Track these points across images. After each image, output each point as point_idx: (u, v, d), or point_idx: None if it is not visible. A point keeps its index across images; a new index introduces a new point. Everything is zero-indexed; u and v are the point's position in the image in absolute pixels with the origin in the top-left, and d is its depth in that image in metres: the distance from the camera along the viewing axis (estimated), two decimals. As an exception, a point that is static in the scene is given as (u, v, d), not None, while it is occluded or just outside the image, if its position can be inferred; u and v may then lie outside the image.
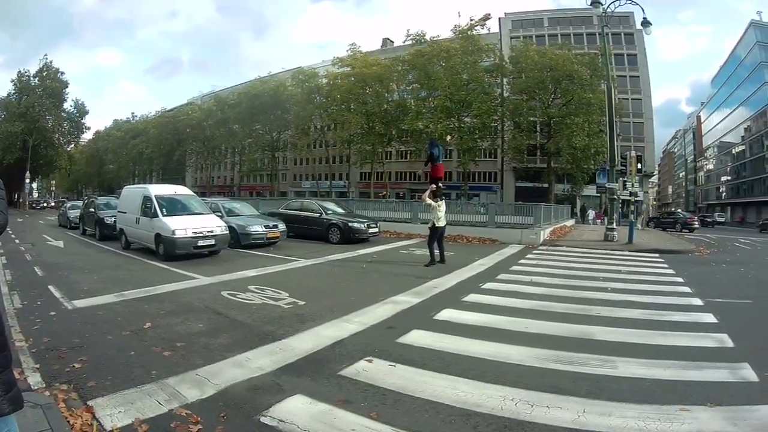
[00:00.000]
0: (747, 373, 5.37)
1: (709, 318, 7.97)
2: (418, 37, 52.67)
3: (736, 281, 12.78)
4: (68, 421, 4.06)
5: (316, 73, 63.99)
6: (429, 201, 14.15)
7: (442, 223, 14.17)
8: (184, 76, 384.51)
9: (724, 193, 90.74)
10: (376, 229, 20.76)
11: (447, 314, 7.96)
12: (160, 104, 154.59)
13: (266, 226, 17.96)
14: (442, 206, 14.22)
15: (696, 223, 45.56)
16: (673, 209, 79.24)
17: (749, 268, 15.62)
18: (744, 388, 5.02)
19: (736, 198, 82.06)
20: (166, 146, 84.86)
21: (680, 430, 4.03)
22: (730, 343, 6.54)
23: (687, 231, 40.33)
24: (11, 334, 6.42)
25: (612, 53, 39.21)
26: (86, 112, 71.12)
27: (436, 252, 14.02)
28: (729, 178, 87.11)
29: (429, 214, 14.93)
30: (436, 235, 14.06)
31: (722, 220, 68.59)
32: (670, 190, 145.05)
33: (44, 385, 4.84)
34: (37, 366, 5.35)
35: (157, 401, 4.50)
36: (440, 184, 15.54)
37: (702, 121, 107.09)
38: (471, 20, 50.06)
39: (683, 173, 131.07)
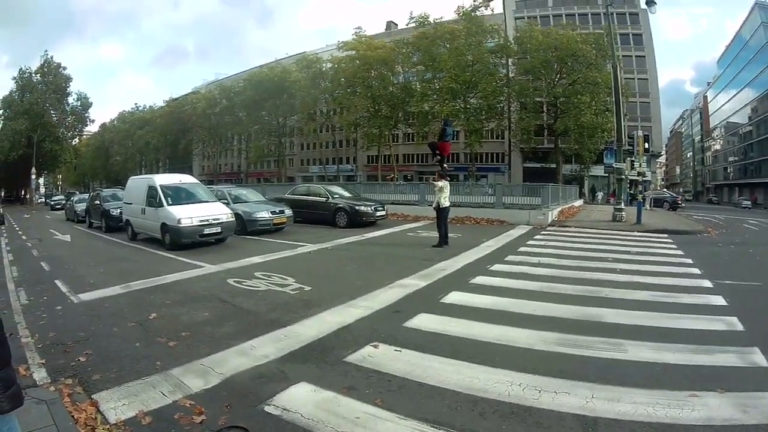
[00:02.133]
0: (757, 357, 5.27)
1: (719, 300, 7.85)
2: (421, 20, 52.35)
3: (745, 263, 12.65)
4: (72, 416, 4.04)
5: (319, 59, 63.85)
6: (440, 184, 14.13)
7: (447, 203, 14.18)
8: (189, 66, 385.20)
9: (731, 174, 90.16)
10: (383, 212, 20.72)
11: (454, 297, 7.90)
12: (166, 94, 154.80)
13: (272, 212, 17.90)
14: (446, 187, 14.24)
15: (681, 202, 50.00)
16: (663, 190, 78.44)
17: (758, 249, 15.47)
18: (754, 373, 4.93)
19: (744, 179, 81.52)
20: (172, 135, 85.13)
21: (690, 417, 3.96)
22: (740, 327, 6.44)
23: (673, 210, 41.41)
24: (17, 331, 6.48)
25: (617, 33, 38.84)
26: (90, 105, 71.57)
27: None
28: (736, 158, 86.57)
29: (434, 195, 14.85)
30: (444, 216, 14.05)
31: (747, 204, 63.94)
32: (678, 170, 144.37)
33: (49, 381, 4.83)
34: (43, 361, 5.35)
35: (161, 392, 4.49)
36: (445, 165, 15.52)
37: (708, 101, 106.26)
38: (474, 1, 49.80)
39: (691, 153, 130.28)
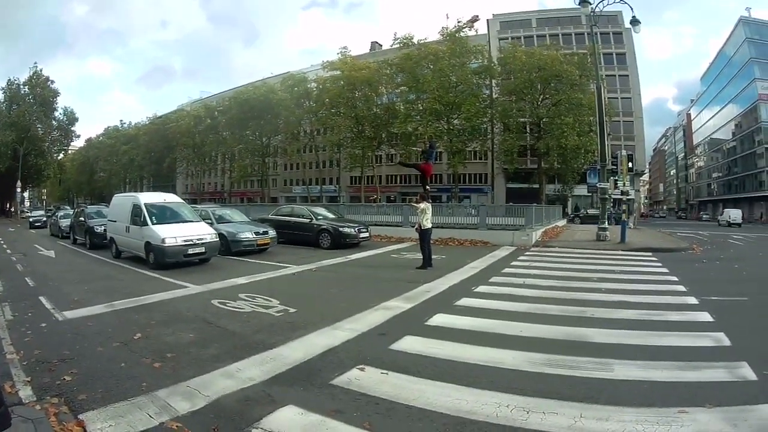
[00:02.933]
0: (745, 372, 5.34)
1: (705, 317, 7.96)
2: (405, 41, 52.79)
3: (731, 278, 12.83)
4: (59, 436, 3.98)
5: (305, 78, 64.11)
6: (422, 206, 14.15)
7: (429, 225, 14.20)
8: (176, 84, 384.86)
9: (715, 190, 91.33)
10: (367, 234, 20.69)
11: (440, 319, 7.89)
12: (152, 112, 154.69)
13: (256, 233, 17.85)
14: (429, 208, 14.29)
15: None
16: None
17: (743, 264, 15.70)
18: (743, 387, 4.99)
19: (728, 194, 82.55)
20: (157, 153, 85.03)
21: (680, 433, 3.97)
22: (727, 342, 6.52)
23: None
24: (2, 347, 6.46)
25: (601, 52, 39.31)
26: (75, 120, 71.17)
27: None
28: (720, 174, 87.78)
29: (416, 216, 14.88)
30: (427, 237, 14.06)
31: (737, 221, 53.05)
32: (661, 188, 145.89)
33: (35, 399, 4.78)
34: (28, 379, 5.29)
35: (147, 414, 4.44)
36: (427, 186, 15.59)
37: (692, 118, 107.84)
38: (459, 22, 50.56)
39: (674, 171, 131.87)
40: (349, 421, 4.30)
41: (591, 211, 43.64)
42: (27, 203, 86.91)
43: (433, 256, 14.24)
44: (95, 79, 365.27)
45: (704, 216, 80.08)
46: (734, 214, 54.75)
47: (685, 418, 4.22)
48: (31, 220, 42.43)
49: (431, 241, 14.69)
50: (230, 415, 4.46)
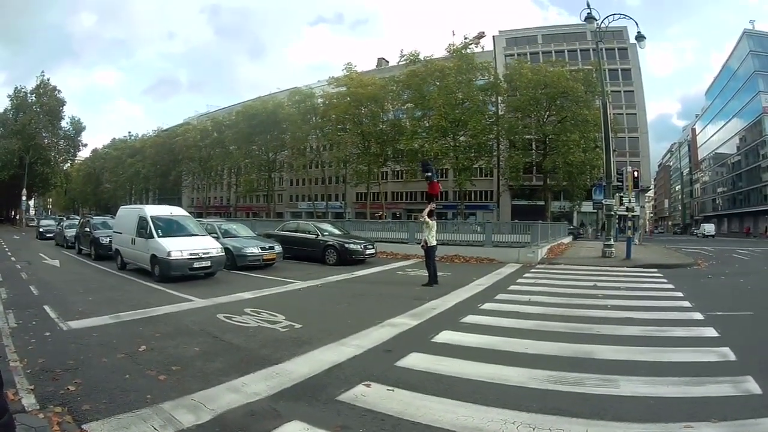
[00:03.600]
0: (750, 386, 5.35)
1: (711, 332, 7.95)
2: (412, 57, 52.77)
3: (736, 293, 12.83)
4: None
5: (312, 93, 64.52)
6: (428, 220, 14.14)
7: (434, 242, 14.22)
8: (181, 96, 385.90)
9: (720, 205, 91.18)
10: (373, 250, 20.67)
11: (446, 336, 7.87)
12: (158, 124, 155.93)
13: (262, 248, 17.87)
14: (434, 226, 14.28)
15: (583, 233, 54.87)
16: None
17: (748, 279, 15.70)
18: (748, 401, 5.00)
19: (733, 209, 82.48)
20: (163, 166, 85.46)
21: (685, 448, 3.96)
22: (732, 357, 6.52)
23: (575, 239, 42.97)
24: (6, 354, 6.47)
25: (606, 68, 39.40)
26: (82, 129, 72.01)
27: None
28: (725, 189, 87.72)
29: (422, 233, 14.87)
30: (432, 254, 14.06)
31: (711, 233, 69.55)
32: (666, 203, 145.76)
33: (39, 407, 4.78)
34: (32, 387, 5.29)
35: (152, 426, 4.43)
36: (433, 203, 15.58)
37: (697, 133, 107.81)
38: (465, 39, 50.71)
39: (679, 186, 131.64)
40: (355, 438, 4.27)
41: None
42: (32, 212, 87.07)
43: (438, 273, 14.21)
44: (101, 89, 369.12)
45: (695, 231, 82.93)
46: (708, 228, 72.08)
47: (690, 433, 4.22)
48: (41, 230, 37.21)
49: (436, 258, 14.69)
50: (235, 429, 4.44)
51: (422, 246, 14.45)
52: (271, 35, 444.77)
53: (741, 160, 78.82)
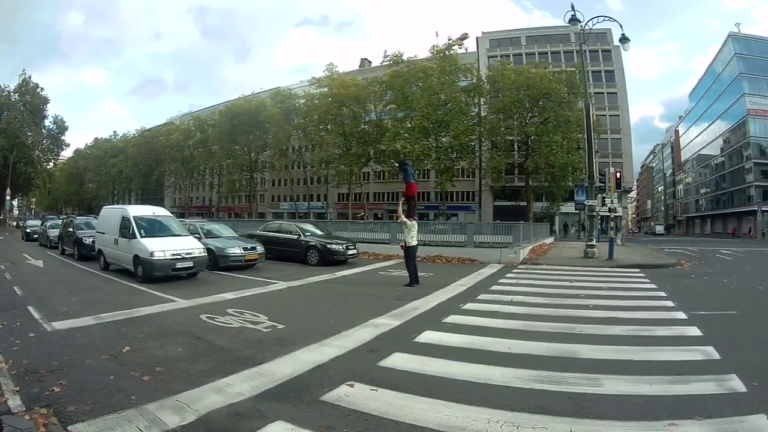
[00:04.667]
0: (735, 384, 5.41)
1: (694, 331, 8.02)
2: (395, 58, 52.65)
3: (720, 293, 12.96)
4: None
5: (293, 94, 64.27)
6: (404, 218, 14.19)
7: (414, 242, 14.21)
8: (167, 97, 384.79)
9: (703, 205, 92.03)
10: (355, 251, 20.69)
11: (428, 336, 7.89)
12: (141, 124, 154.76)
13: (244, 248, 17.85)
14: (414, 225, 14.27)
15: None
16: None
17: (732, 278, 15.87)
18: (732, 399, 5.05)
19: (716, 209, 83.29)
20: (145, 166, 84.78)
21: (669, 446, 4.00)
22: (716, 355, 6.59)
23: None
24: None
25: (589, 70, 39.60)
26: (66, 128, 71.16)
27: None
28: (708, 190, 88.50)
29: (402, 234, 14.90)
30: (412, 255, 14.08)
31: (661, 232, 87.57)
32: (649, 204, 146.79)
33: (24, 409, 4.75)
34: (17, 389, 5.26)
35: (137, 427, 4.41)
36: (414, 203, 15.53)
37: (680, 134, 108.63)
38: (449, 40, 50.56)
39: (662, 187, 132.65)
40: (339, 437, 4.27)
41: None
42: (16, 212, 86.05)
43: (420, 274, 14.28)
44: (89, 88, 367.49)
45: (648, 231, 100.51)
46: (659, 228, 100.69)
47: (675, 431, 4.27)
48: (27, 230, 36.44)
49: (417, 259, 14.72)
50: (220, 429, 4.44)
51: (402, 246, 14.47)
52: (257, 36, 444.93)
53: (725, 161, 79.45)
